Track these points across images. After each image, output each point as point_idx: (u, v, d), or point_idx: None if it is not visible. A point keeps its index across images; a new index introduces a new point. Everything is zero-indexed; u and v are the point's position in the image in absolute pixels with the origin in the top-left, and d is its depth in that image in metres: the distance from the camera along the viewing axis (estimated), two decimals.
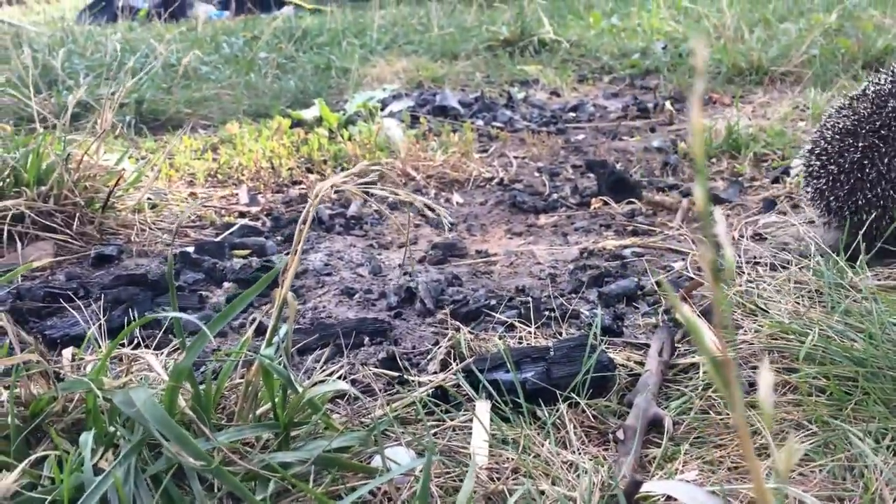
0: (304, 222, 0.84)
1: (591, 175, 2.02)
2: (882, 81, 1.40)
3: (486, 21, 4.39)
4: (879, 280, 1.22)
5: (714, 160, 2.15)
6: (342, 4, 6.47)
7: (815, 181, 1.41)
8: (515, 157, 2.31)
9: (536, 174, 2.13)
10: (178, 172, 2.09)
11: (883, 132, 1.33)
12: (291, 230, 1.71)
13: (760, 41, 3.28)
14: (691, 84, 3.07)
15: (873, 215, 1.31)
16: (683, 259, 1.43)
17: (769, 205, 1.73)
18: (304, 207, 1.88)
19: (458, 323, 1.15)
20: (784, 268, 1.32)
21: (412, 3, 6.17)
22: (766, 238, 1.54)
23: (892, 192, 1.31)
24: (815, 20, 3.68)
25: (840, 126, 1.39)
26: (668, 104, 2.87)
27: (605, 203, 1.84)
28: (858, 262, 1.21)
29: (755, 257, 1.38)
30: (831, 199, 1.37)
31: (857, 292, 1.11)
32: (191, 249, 1.50)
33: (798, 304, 1.08)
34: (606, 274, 1.33)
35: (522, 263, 1.47)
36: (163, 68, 3.12)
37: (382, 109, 2.88)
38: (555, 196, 1.92)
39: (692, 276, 1.33)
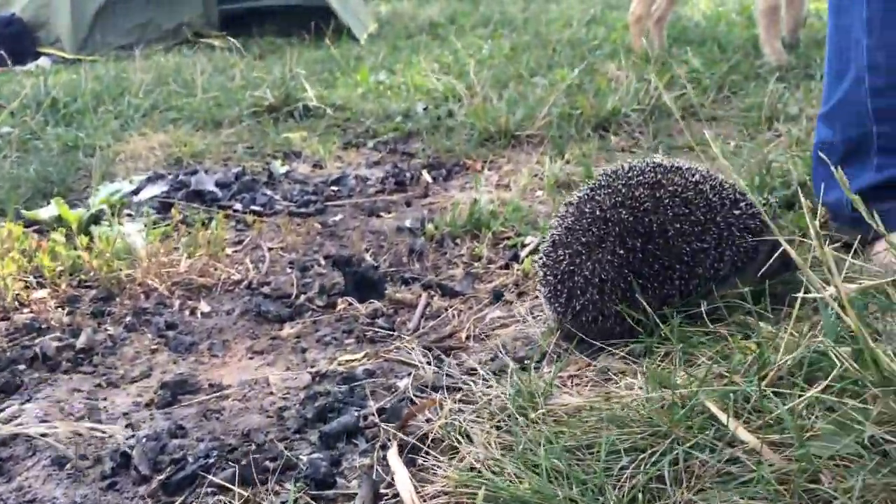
0: None
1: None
2: (589, 185, 1.56)
3: (255, 81, 4.34)
4: (572, 392, 1.35)
5: (458, 241, 2.27)
6: (105, 54, 6.14)
7: (543, 288, 1.54)
8: (270, 249, 2.31)
9: (289, 269, 2.15)
10: None
11: (584, 239, 1.48)
12: (14, 372, 1.60)
13: (511, 101, 3.50)
14: (449, 148, 3.23)
15: (590, 318, 1.46)
16: (410, 374, 1.50)
17: (497, 296, 1.86)
18: (33, 339, 1.76)
19: (166, 497, 1.13)
20: (498, 376, 1.43)
21: (179, 53, 5.99)
22: (490, 338, 1.66)
23: (598, 295, 1.45)
24: (560, 76, 4.01)
25: (554, 237, 1.53)
26: (424, 173, 3.01)
27: (351, 304, 1.89)
28: (550, 378, 1.33)
29: (470, 369, 1.48)
30: (556, 305, 1.51)
31: (546, 413, 1.23)
32: None
33: (489, 435, 1.17)
34: (331, 408, 1.37)
35: (255, 395, 1.48)
36: None
37: (136, 194, 2.77)
38: (303, 298, 1.94)
39: (413, 397, 1.41)
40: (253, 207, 2.65)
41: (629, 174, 1.53)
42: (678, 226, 1.46)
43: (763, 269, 1.43)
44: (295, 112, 3.74)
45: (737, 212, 1.51)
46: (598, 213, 1.48)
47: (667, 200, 1.47)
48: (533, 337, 1.61)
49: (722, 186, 1.54)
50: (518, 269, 1.99)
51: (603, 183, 1.53)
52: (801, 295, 1.12)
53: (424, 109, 3.81)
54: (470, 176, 2.98)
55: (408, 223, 2.46)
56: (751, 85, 3.33)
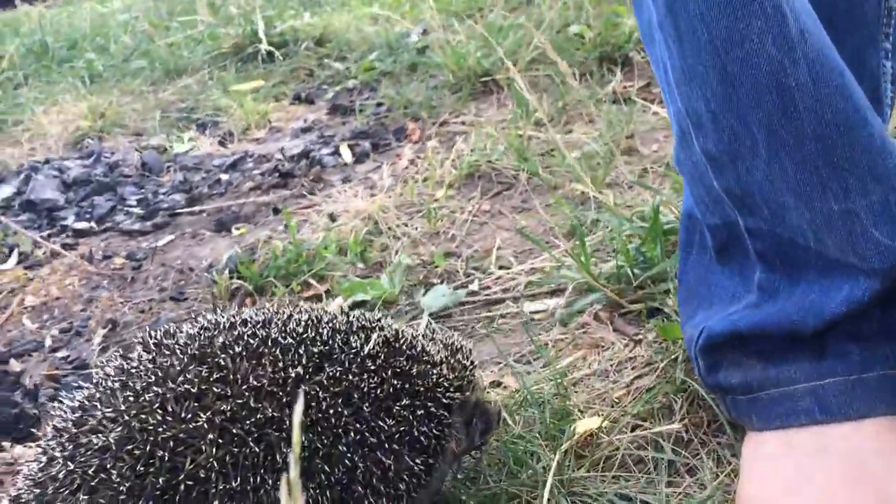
0: None
1: None
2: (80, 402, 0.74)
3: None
4: None
5: (249, 301, 1.48)
6: None
7: None
8: (9, 316, 1.67)
9: None
10: None
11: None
12: None
13: (491, 27, 2.44)
14: (408, 102, 2.34)
15: None
16: None
17: None
18: None
19: None
20: None
21: None
22: None
23: None
24: None
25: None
26: (343, 148, 2.18)
27: None
28: None
29: None
30: None
31: None
32: None
33: None
34: None
35: None
36: None
37: None
38: None
39: None
40: (76, 225, 2.00)
41: (170, 371, 0.69)
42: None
43: None
44: (259, 54, 2.97)
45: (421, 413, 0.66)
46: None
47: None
48: None
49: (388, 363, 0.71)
50: None
51: (109, 402, 0.69)
52: None
53: (423, 34, 2.87)
54: (396, 152, 2.10)
55: (226, 257, 1.69)
56: None
